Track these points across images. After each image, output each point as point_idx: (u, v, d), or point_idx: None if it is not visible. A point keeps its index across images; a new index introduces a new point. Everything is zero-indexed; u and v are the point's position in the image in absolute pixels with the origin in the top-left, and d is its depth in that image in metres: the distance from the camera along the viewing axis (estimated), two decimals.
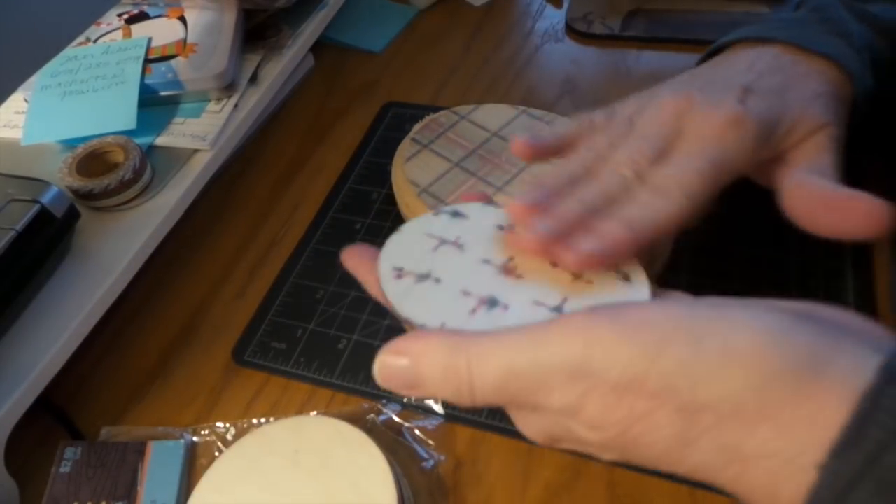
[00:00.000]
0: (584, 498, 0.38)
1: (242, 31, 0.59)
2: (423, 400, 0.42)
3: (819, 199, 0.32)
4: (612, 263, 0.28)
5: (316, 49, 0.65)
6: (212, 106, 0.55)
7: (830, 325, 0.23)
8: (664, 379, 0.22)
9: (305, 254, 0.51)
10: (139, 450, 0.40)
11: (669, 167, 0.31)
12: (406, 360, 0.25)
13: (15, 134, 0.54)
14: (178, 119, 0.54)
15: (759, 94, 0.33)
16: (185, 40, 0.57)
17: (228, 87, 0.56)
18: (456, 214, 0.31)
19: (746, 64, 0.36)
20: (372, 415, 0.41)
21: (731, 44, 0.40)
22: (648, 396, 0.22)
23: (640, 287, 0.28)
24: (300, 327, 0.46)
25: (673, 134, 0.32)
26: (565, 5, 0.69)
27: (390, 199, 0.52)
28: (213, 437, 0.42)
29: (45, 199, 0.43)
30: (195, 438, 0.42)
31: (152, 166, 0.51)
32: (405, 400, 0.42)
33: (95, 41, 0.59)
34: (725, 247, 0.47)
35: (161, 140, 0.53)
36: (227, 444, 0.42)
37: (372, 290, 0.30)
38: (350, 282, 0.48)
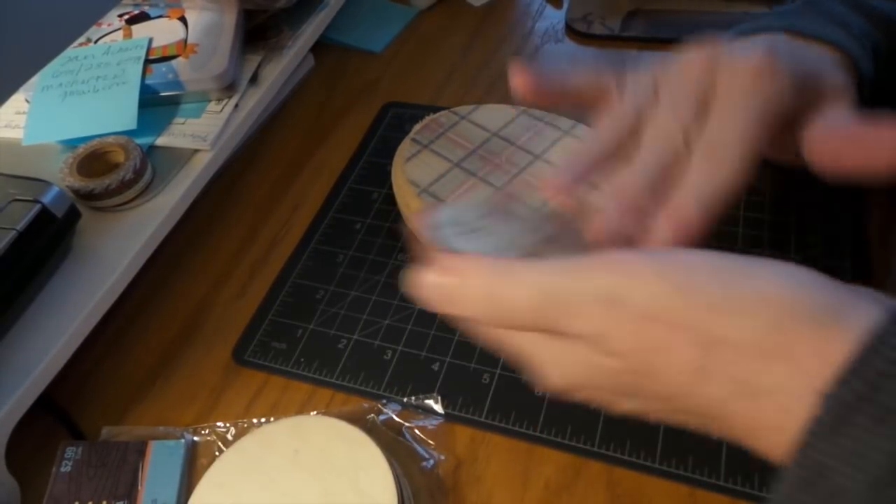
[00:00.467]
0: (584, 498, 0.38)
1: (243, 31, 0.59)
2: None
3: (846, 135, 0.31)
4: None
5: (316, 49, 0.65)
6: (212, 106, 0.55)
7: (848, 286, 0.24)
8: (693, 314, 0.23)
9: (305, 254, 0.51)
10: (140, 449, 0.41)
11: (716, 128, 0.29)
12: (453, 278, 0.26)
13: (16, 134, 0.54)
14: (178, 119, 0.55)
15: (782, 53, 0.32)
16: (185, 41, 0.57)
17: (229, 88, 0.56)
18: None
19: None
20: (372, 415, 0.42)
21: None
22: (675, 328, 0.23)
23: None
24: (300, 327, 0.46)
25: (708, 91, 0.30)
26: (565, 6, 0.69)
27: (390, 199, 0.52)
28: (214, 437, 0.42)
29: (46, 199, 0.43)
30: (195, 438, 0.42)
31: (153, 166, 0.51)
32: (405, 399, 0.42)
33: (96, 42, 0.59)
34: (725, 247, 0.47)
35: (161, 140, 0.53)
36: (227, 443, 0.42)
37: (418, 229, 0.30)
38: (350, 282, 0.49)
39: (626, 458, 0.38)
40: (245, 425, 0.42)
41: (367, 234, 0.51)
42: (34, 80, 0.56)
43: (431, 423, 0.41)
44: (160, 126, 0.54)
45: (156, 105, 0.55)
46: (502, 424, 0.40)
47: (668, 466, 0.38)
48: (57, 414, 0.44)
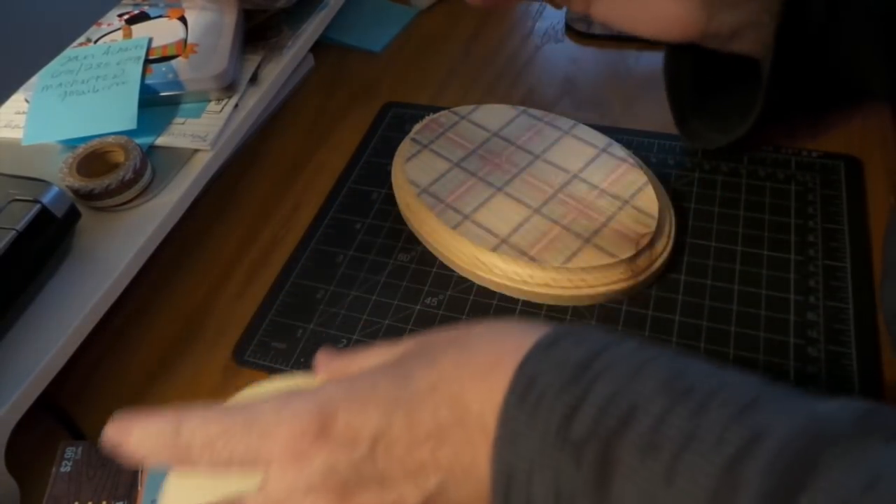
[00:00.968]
0: None
1: (243, 31, 0.59)
2: None
3: None
4: None
5: (316, 49, 0.65)
6: (212, 106, 0.55)
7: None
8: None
9: (305, 254, 0.51)
10: None
11: None
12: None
13: (16, 134, 0.54)
14: (178, 119, 0.55)
15: None
16: (185, 41, 0.57)
17: (229, 88, 0.56)
18: None
19: None
20: None
21: None
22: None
23: None
24: (300, 327, 0.46)
25: None
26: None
27: (390, 199, 0.52)
28: None
29: (46, 199, 0.43)
30: None
31: (153, 166, 0.51)
32: None
33: (96, 41, 0.59)
34: (725, 246, 0.47)
35: (161, 140, 0.53)
36: None
37: None
38: (350, 282, 0.49)
39: None
40: None
41: (367, 234, 0.51)
42: (34, 80, 0.56)
43: None
44: (160, 126, 0.54)
45: (156, 105, 0.55)
46: None
47: None
48: (57, 414, 0.44)
